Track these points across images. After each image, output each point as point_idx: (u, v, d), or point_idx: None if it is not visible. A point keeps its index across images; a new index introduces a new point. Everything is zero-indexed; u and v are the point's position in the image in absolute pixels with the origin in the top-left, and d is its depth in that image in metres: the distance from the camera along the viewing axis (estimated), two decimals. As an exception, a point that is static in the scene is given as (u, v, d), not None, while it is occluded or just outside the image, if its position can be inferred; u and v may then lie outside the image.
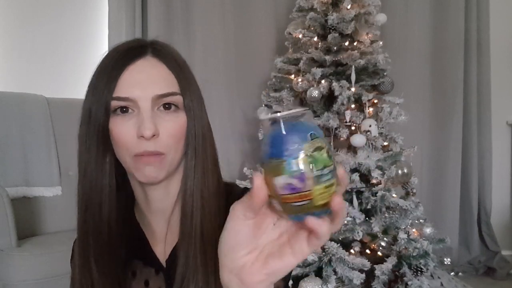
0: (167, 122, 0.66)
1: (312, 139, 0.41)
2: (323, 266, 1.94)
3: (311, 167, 0.40)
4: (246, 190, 0.72)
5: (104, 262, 0.68)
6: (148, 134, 0.63)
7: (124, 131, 0.65)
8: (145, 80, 0.65)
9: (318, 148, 0.41)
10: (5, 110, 2.20)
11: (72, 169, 2.34)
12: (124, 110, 0.65)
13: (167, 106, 0.67)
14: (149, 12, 2.73)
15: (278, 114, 0.42)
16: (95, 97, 0.66)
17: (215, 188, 0.69)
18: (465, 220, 3.16)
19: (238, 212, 0.44)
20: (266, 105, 2.42)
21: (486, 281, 2.92)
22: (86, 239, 0.69)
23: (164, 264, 0.73)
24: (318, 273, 1.95)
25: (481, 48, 3.13)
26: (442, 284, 2.21)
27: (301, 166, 0.40)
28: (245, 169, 2.49)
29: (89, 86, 0.68)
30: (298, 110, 0.42)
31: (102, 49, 2.66)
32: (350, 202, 2.12)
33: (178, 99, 0.67)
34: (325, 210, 0.42)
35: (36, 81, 2.59)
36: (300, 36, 2.35)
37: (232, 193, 0.70)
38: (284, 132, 0.41)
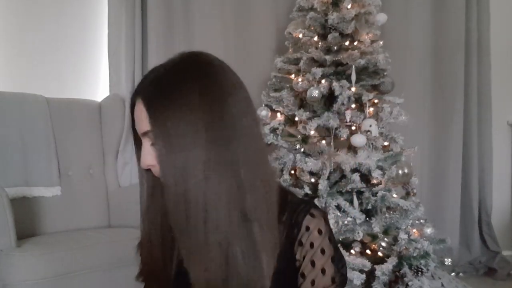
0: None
1: None
2: (324, 266, 1.93)
3: None
4: (304, 200, 0.80)
5: (167, 242, 0.79)
6: (142, 167, 0.73)
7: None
8: (137, 123, 0.75)
9: None
10: (5, 110, 2.20)
11: (72, 169, 2.34)
12: None
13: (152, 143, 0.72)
14: (149, 12, 2.72)
15: None
16: None
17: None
18: (466, 221, 3.15)
19: None
20: (266, 105, 2.41)
21: (486, 282, 2.92)
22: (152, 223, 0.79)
23: None
24: (319, 273, 1.95)
25: (482, 48, 3.13)
26: (442, 285, 2.21)
27: None
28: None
29: None
30: None
31: (102, 49, 2.67)
32: (351, 202, 2.11)
33: (151, 135, 0.71)
34: None
35: (36, 81, 2.58)
36: (300, 36, 2.35)
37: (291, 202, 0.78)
38: None
